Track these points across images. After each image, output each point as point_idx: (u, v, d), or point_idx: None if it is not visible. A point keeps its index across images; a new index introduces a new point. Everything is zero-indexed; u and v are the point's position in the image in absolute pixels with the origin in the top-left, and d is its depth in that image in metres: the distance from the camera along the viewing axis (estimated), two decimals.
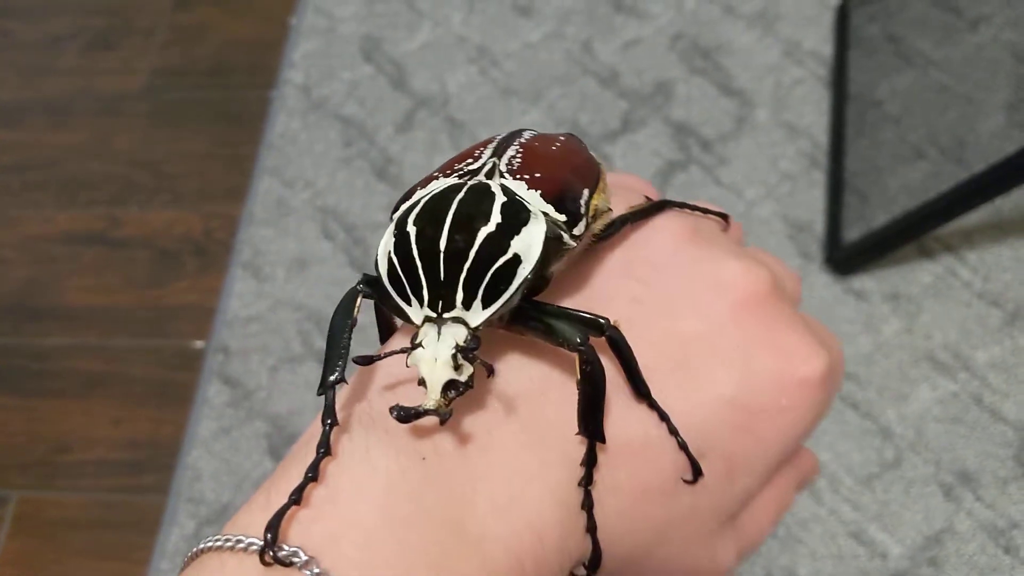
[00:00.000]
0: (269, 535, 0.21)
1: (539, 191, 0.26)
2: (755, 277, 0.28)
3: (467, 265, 0.24)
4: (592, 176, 0.29)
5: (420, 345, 0.23)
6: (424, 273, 0.24)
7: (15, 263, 1.10)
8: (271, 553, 0.21)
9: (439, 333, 0.23)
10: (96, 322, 1.04)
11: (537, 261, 0.24)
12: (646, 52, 1.10)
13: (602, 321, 0.25)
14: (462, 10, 1.15)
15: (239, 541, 0.22)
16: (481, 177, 0.27)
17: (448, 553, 0.22)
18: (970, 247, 0.93)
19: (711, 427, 0.26)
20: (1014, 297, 0.91)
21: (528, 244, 0.24)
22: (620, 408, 0.25)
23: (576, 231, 0.26)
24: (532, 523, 0.24)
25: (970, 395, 0.87)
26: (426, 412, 0.23)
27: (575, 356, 0.24)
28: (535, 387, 0.25)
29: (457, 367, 0.23)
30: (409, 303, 0.24)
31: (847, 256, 0.92)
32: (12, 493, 0.96)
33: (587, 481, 0.24)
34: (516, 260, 0.24)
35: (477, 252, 0.24)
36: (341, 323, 0.26)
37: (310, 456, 0.23)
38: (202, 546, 0.23)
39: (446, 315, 0.24)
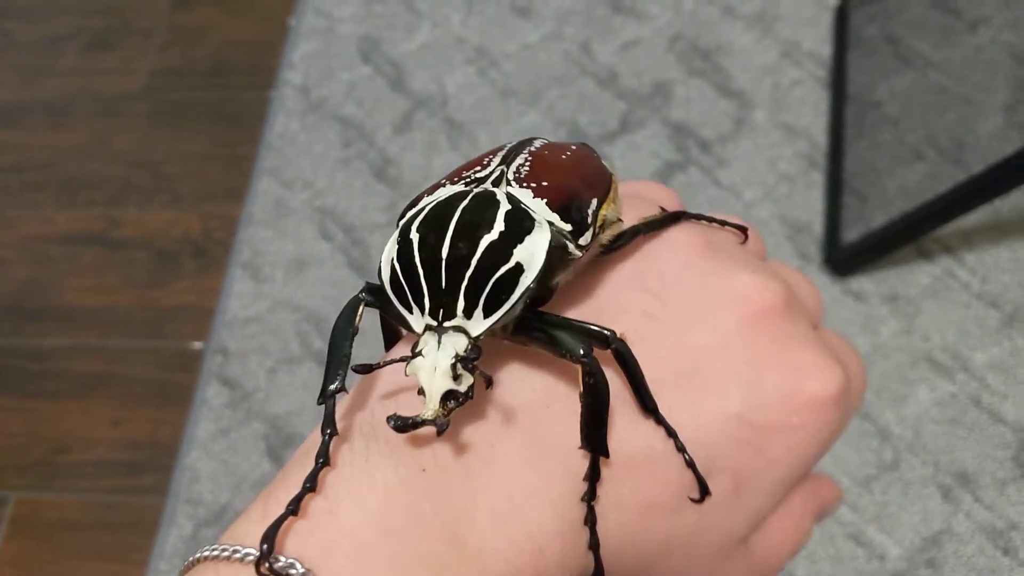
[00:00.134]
0: (265, 546, 0.21)
1: (545, 200, 0.26)
2: (768, 291, 0.27)
3: (469, 273, 0.23)
4: (602, 186, 0.28)
5: (420, 354, 0.23)
6: (426, 281, 0.24)
7: (14, 263, 1.10)
8: (267, 564, 0.21)
9: (439, 342, 0.23)
10: (95, 323, 1.04)
11: (540, 270, 0.24)
12: (645, 53, 1.09)
13: (607, 333, 0.24)
14: (461, 11, 1.15)
15: (235, 551, 0.22)
16: (487, 185, 0.27)
17: (447, 566, 0.22)
18: (969, 248, 0.93)
19: (719, 444, 0.25)
20: (1012, 298, 0.91)
21: (531, 253, 0.24)
22: (626, 422, 0.25)
23: (582, 241, 0.26)
24: (533, 537, 0.23)
25: (969, 396, 0.87)
26: (424, 422, 0.22)
27: (578, 368, 0.24)
28: (539, 399, 0.25)
29: (456, 377, 0.23)
30: (411, 311, 0.24)
31: (845, 257, 0.92)
32: (10, 494, 0.96)
33: (590, 496, 0.24)
34: (519, 269, 0.24)
35: (479, 260, 0.24)
36: (343, 332, 0.26)
37: (309, 466, 0.23)
38: (198, 555, 0.23)
39: (447, 324, 0.23)
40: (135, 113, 1.18)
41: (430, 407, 0.22)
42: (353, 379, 0.26)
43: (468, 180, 0.27)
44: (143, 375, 1.00)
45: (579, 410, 0.24)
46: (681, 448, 0.25)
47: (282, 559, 0.21)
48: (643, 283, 0.27)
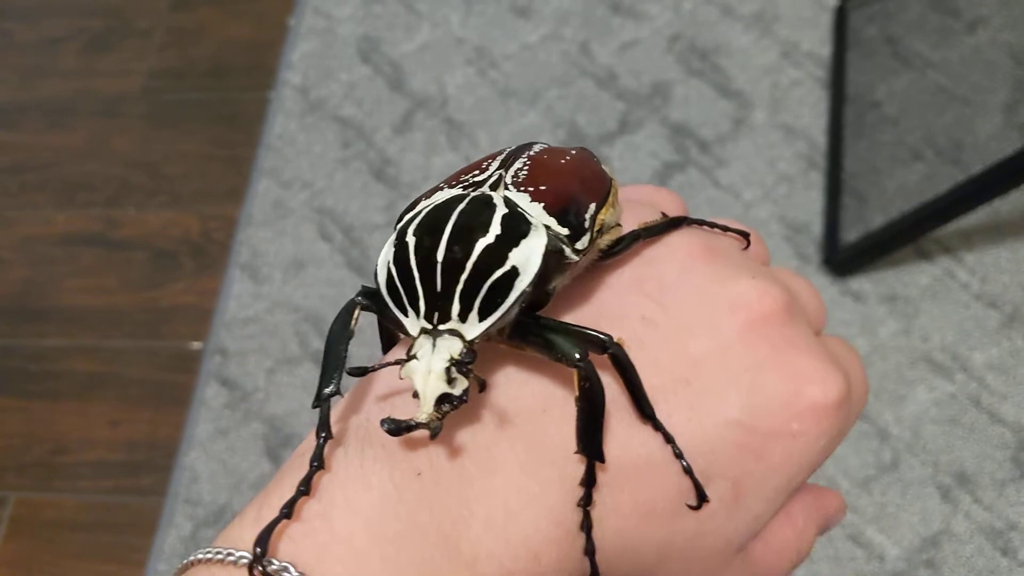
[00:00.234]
0: (258, 549, 0.21)
1: (542, 203, 0.26)
2: (769, 297, 0.27)
3: (464, 276, 0.23)
4: (600, 191, 0.28)
5: (415, 357, 0.23)
6: (421, 284, 0.24)
7: (13, 264, 1.10)
8: (260, 568, 0.21)
9: (434, 345, 0.23)
10: (94, 323, 1.04)
11: (536, 274, 0.24)
12: (644, 53, 1.09)
13: (604, 338, 0.24)
14: (460, 11, 1.15)
15: (229, 554, 0.22)
16: (485, 189, 0.27)
17: (440, 572, 0.22)
18: (968, 249, 0.93)
19: (718, 450, 0.25)
20: (1012, 299, 0.91)
21: (527, 256, 0.24)
22: (623, 428, 0.25)
23: (579, 245, 0.26)
24: (529, 543, 0.23)
25: (968, 397, 0.87)
26: (417, 425, 0.22)
27: (573, 372, 0.24)
28: (536, 404, 0.25)
29: (451, 380, 0.23)
30: (406, 314, 0.24)
31: (845, 258, 0.92)
32: (9, 494, 0.96)
33: (586, 502, 0.24)
34: (514, 272, 0.24)
35: (474, 263, 0.23)
36: (338, 335, 0.26)
37: (304, 469, 0.23)
38: (192, 558, 0.23)
39: (442, 327, 0.23)
40: (134, 114, 1.18)
41: (424, 410, 0.22)
42: (349, 383, 0.26)
43: (466, 184, 0.27)
44: (142, 375, 1.00)
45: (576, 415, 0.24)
46: (679, 454, 0.25)
47: (275, 562, 0.21)
48: (643, 288, 0.27)
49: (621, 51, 1.10)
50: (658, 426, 0.25)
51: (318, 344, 0.97)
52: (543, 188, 0.27)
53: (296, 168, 1.08)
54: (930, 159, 0.96)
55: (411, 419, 0.22)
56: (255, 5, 1.23)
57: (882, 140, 0.99)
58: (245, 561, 0.22)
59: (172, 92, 1.19)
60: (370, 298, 0.26)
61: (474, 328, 0.24)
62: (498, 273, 0.24)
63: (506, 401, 0.25)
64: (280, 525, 0.22)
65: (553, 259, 0.25)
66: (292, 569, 0.21)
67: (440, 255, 0.24)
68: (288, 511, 0.22)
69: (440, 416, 0.23)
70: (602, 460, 0.24)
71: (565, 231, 0.26)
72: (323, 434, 0.24)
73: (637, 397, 0.25)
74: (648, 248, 0.28)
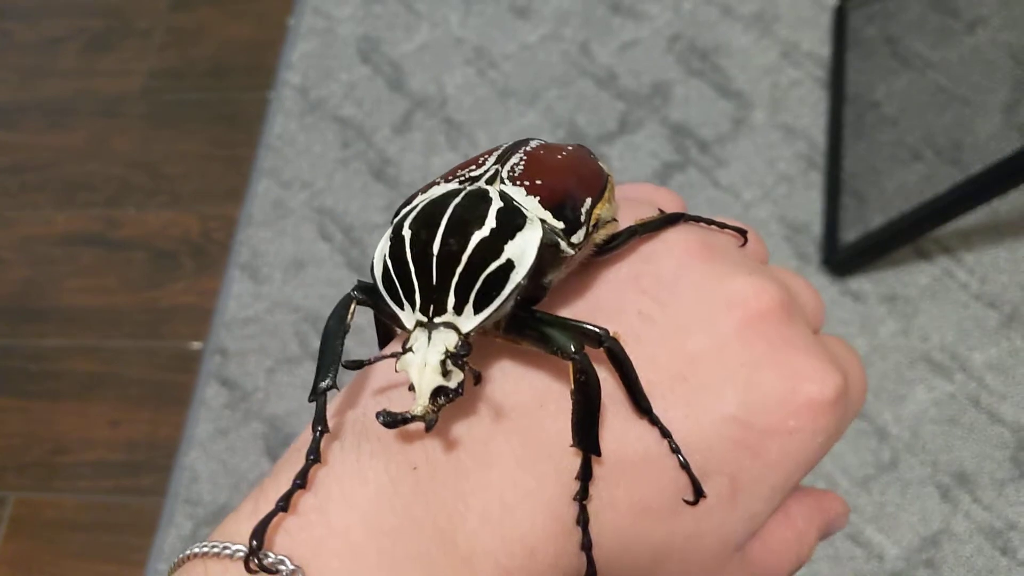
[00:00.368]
0: (254, 542, 0.21)
1: (538, 197, 0.26)
2: (766, 294, 0.27)
3: (459, 269, 0.23)
4: (596, 186, 0.28)
5: (410, 350, 0.23)
6: (417, 277, 0.24)
7: (13, 264, 1.10)
8: (256, 560, 0.21)
9: (429, 338, 0.23)
10: (94, 323, 1.04)
11: (531, 267, 0.24)
12: (643, 53, 1.10)
13: (599, 332, 0.24)
14: (460, 11, 1.15)
15: (225, 548, 0.22)
16: (481, 183, 0.27)
17: (436, 566, 0.22)
18: (967, 249, 0.93)
19: (715, 446, 0.25)
20: (1011, 299, 0.91)
21: (522, 249, 0.24)
22: (620, 423, 0.25)
23: (575, 239, 0.26)
24: (525, 538, 0.23)
25: (967, 396, 0.87)
26: (413, 418, 0.22)
27: (568, 365, 0.24)
28: (533, 398, 0.25)
29: (446, 373, 0.23)
30: (401, 307, 0.24)
31: (844, 258, 0.92)
32: (9, 494, 0.96)
33: (582, 495, 0.24)
34: (509, 265, 0.24)
35: (470, 256, 0.23)
36: (334, 329, 0.26)
37: (300, 463, 0.23)
38: (188, 552, 0.23)
39: (437, 320, 0.23)
40: (134, 114, 1.18)
41: (419, 403, 0.22)
42: (346, 377, 0.26)
43: (462, 179, 0.28)
44: (142, 375, 1.00)
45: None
46: (676, 449, 0.25)
47: (271, 555, 0.21)
48: (640, 285, 0.27)
49: (621, 51, 1.10)
50: (655, 421, 0.25)
51: (318, 344, 0.97)
52: (539, 182, 0.27)
53: (296, 168, 1.08)
54: (929, 159, 0.96)
55: (407, 412, 0.22)
56: (255, 5, 1.23)
57: (882, 140, 0.99)
58: (241, 554, 0.22)
59: (172, 92, 1.19)
60: (366, 293, 0.26)
61: (469, 321, 0.24)
62: (493, 266, 0.24)
63: (502, 395, 0.25)
64: (276, 518, 0.22)
65: (548, 252, 0.25)
66: (288, 562, 0.21)
67: (436, 248, 0.24)
68: (284, 504, 0.22)
69: (436, 409, 0.23)
70: (598, 454, 0.24)
71: (561, 225, 0.26)
72: (319, 428, 0.24)
73: (633, 392, 0.25)
74: (645, 244, 0.29)
